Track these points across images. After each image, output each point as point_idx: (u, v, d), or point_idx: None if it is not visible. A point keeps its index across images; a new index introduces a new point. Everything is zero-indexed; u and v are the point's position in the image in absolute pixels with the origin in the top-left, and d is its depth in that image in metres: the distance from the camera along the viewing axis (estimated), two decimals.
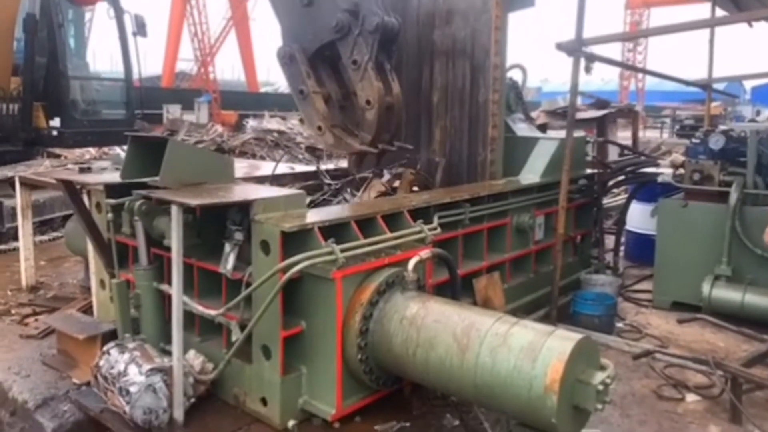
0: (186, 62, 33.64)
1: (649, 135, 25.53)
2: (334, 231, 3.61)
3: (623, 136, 13.33)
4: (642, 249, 7.17)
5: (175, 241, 3.43)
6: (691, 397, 4.19)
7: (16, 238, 7.49)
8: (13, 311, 5.40)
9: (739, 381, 3.81)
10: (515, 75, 6.33)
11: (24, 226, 5.86)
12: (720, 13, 8.16)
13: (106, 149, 12.71)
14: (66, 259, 6.96)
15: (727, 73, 8.21)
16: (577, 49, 4.78)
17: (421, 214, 4.25)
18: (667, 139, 22.67)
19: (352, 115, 4.84)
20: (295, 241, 3.51)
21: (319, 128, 4.76)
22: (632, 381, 4.39)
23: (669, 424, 3.85)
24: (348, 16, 4.49)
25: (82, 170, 5.44)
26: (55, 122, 8.83)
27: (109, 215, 3.91)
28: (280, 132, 17.74)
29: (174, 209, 3.39)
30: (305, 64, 4.69)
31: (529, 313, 5.13)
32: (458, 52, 5.46)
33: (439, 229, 4.15)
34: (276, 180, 5.43)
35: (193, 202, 3.41)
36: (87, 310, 5.12)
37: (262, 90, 36.60)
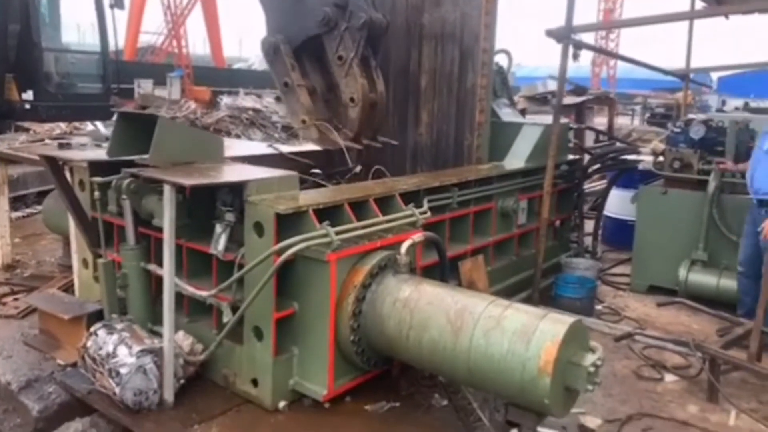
0: (148, 35, 32.36)
1: (621, 122, 25.84)
2: (328, 213, 3.61)
3: (598, 122, 13.52)
4: (619, 234, 7.35)
5: (167, 221, 3.39)
6: (669, 377, 4.33)
7: None
8: None
9: (718, 362, 3.94)
10: (500, 60, 6.34)
11: (0, 202, 5.70)
12: (699, 4, 8.28)
13: (77, 124, 12.40)
14: (42, 236, 6.81)
15: (695, 63, 8.32)
16: (566, 36, 4.81)
17: (411, 197, 4.27)
18: (638, 126, 22.97)
19: (336, 108, 4.85)
20: (288, 222, 3.49)
21: (304, 122, 4.75)
22: (613, 362, 4.51)
23: (649, 403, 3.98)
24: (335, 11, 4.47)
25: (61, 146, 5.32)
26: (28, 95, 8.56)
27: (96, 194, 3.83)
28: (255, 110, 17.46)
29: (167, 189, 3.35)
30: (290, 56, 4.66)
31: (512, 296, 5.20)
32: (447, 36, 5.45)
33: (429, 213, 4.18)
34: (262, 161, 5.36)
35: (187, 182, 3.37)
36: (67, 289, 5.03)
37: (235, 66, 35.85)
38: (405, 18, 5.67)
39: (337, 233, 3.43)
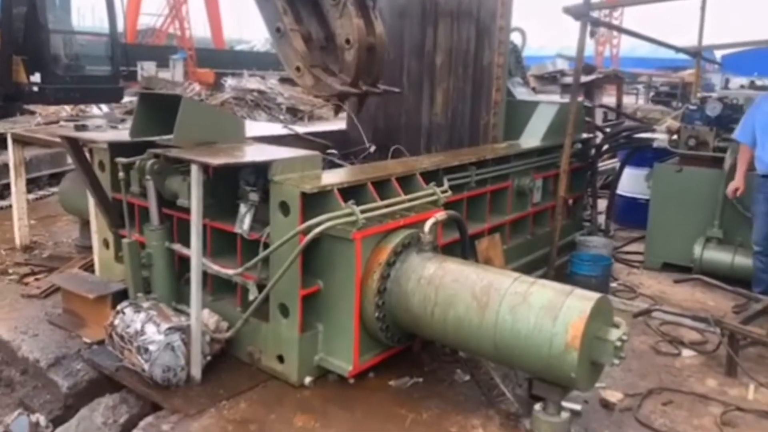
0: (146, 17, 31.96)
1: (626, 101, 25.73)
2: (351, 193, 3.63)
3: (606, 101, 13.45)
4: (630, 212, 7.36)
5: (194, 200, 3.42)
6: (687, 353, 4.38)
7: (2, 197, 7.35)
8: (10, 271, 5.32)
9: (737, 337, 3.99)
10: (515, 38, 6.31)
11: (17, 184, 5.72)
12: None
13: (83, 107, 12.38)
14: (57, 218, 6.85)
15: (694, 41, 8.26)
16: (585, 13, 4.79)
17: (431, 176, 4.29)
18: (642, 105, 22.88)
19: (334, 58, 4.42)
20: (313, 202, 3.52)
21: (298, 69, 4.35)
22: (631, 338, 4.54)
23: (669, 378, 4.03)
24: None
25: (77, 128, 5.31)
26: (36, 77, 8.52)
27: (121, 174, 3.85)
28: (260, 92, 17.39)
29: (194, 169, 3.37)
30: (282, 0, 4.27)
31: (527, 274, 5.20)
32: (463, 14, 5.42)
33: (450, 192, 4.19)
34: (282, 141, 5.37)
35: (215, 161, 3.39)
36: (87, 269, 5.07)
37: (237, 48, 35.63)
38: None
39: (362, 212, 3.46)
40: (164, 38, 29.85)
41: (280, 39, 4.35)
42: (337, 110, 5.19)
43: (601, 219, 7.09)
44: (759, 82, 14.33)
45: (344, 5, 4.09)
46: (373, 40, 4.28)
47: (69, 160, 7.46)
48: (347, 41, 4.14)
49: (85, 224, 5.42)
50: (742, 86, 13.48)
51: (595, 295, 3.15)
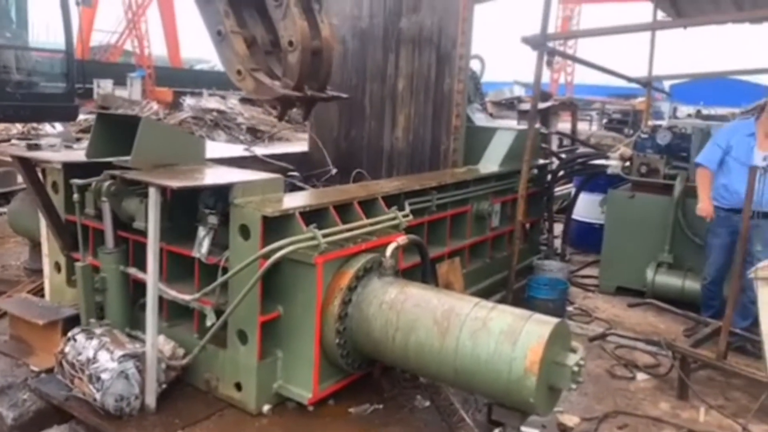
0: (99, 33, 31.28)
1: (579, 127, 26.46)
2: (313, 216, 3.62)
3: (561, 127, 13.82)
4: (585, 236, 7.54)
5: (152, 224, 3.35)
6: (641, 376, 4.48)
7: None
8: None
9: (688, 360, 4.10)
10: (473, 65, 6.44)
11: None
12: (659, 15, 8.59)
13: (36, 125, 12.03)
14: (5, 239, 6.60)
15: (644, 70, 8.62)
16: (541, 44, 4.94)
17: (392, 200, 4.31)
18: (596, 132, 23.57)
19: (279, 63, 4.30)
20: (274, 225, 3.49)
21: (239, 72, 4.19)
22: (587, 362, 4.62)
23: (624, 401, 4.11)
24: None
25: (30, 147, 5.14)
26: None
27: (76, 196, 3.75)
28: (219, 111, 17.29)
29: (152, 191, 3.31)
30: (223, 2, 4.14)
31: (486, 298, 5.24)
32: (425, 41, 5.52)
33: (411, 216, 4.22)
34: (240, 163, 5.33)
35: (174, 184, 3.33)
36: (36, 293, 4.89)
37: (197, 67, 35.32)
38: (383, 21, 5.72)
39: (324, 236, 3.45)
40: (119, 55, 29.37)
41: (221, 42, 4.21)
42: (282, 116, 4.91)
43: (557, 243, 7.24)
44: (705, 111, 14.97)
45: (287, 6, 3.95)
46: (319, 43, 4.15)
47: (19, 179, 7.25)
48: (290, 43, 4.01)
49: (35, 246, 5.22)
50: (689, 115, 14.05)
51: (553, 320, 3.20)
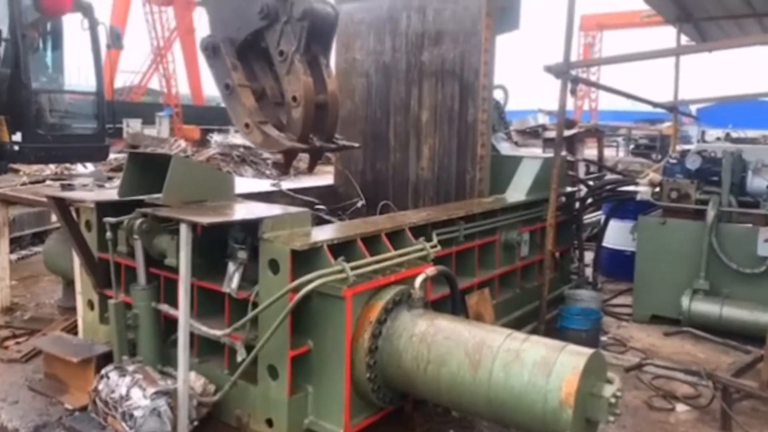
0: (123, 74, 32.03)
1: (606, 153, 26.26)
2: (341, 249, 3.63)
3: (587, 154, 13.73)
4: (616, 264, 7.40)
5: (183, 260, 3.38)
6: (681, 407, 4.34)
7: None
8: None
9: (730, 391, 3.96)
10: (497, 95, 6.47)
11: (0, 244, 5.64)
12: (683, 39, 8.56)
13: (68, 165, 12.34)
14: (39, 278, 6.73)
15: (669, 94, 8.60)
16: (564, 72, 4.94)
17: (420, 231, 4.30)
18: (623, 158, 23.38)
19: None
20: (303, 259, 3.50)
21: (247, 125, 4.23)
22: (623, 393, 4.50)
23: None
24: (275, 2, 4.04)
25: (64, 187, 5.30)
26: (17, 137, 8.50)
27: (108, 234, 3.82)
28: (246, 147, 17.58)
29: (183, 228, 3.35)
30: (231, 56, 4.23)
31: (517, 329, 5.19)
32: (447, 73, 5.57)
33: (439, 247, 4.20)
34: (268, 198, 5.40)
35: (205, 220, 3.38)
36: (69, 331, 4.96)
37: (223, 105, 35.99)
38: (405, 55, 5.80)
39: (352, 269, 3.44)
40: (142, 94, 30.03)
41: (229, 96, 4.28)
42: (287, 167, 4.95)
43: (588, 272, 7.12)
44: (734, 134, 14.75)
45: (291, 62, 4.01)
46: (324, 97, 4.20)
47: (53, 218, 7.42)
48: (294, 99, 4.07)
49: (69, 284, 5.32)
50: (718, 138, 13.84)
51: (587, 351, 3.13)
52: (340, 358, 3.50)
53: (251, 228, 3.64)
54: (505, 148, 6.34)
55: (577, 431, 2.99)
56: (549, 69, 5.06)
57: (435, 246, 4.13)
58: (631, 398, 4.46)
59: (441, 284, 4.22)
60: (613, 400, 3.03)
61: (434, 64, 5.66)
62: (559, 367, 3.04)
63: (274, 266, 3.49)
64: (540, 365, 3.09)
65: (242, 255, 3.72)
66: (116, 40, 8.58)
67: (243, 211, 3.80)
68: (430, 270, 3.79)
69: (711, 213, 5.53)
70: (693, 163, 5.77)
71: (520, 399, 3.09)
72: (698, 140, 21.22)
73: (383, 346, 3.55)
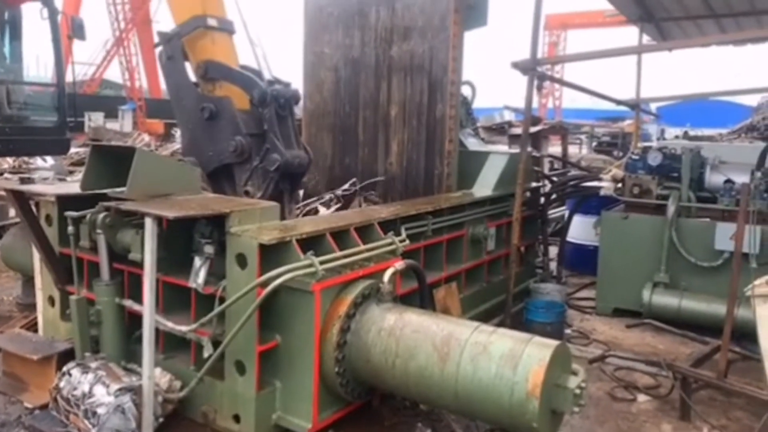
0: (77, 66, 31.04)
1: (570, 150, 26.67)
2: (310, 243, 3.61)
3: (551, 150, 13.92)
4: (580, 258, 7.54)
5: (148, 255, 3.33)
6: (642, 398, 4.44)
7: None
8: None
9: (689, 381, 4.08)
10: (464, 91, 6.51)
11: None
12: (644, 38, 8.75)
13: (27, 159, 11.99)
14: None
15: (631, 93, 8.81)
16: (532, 68, 5.01)
17: (388, 225, 4.31)
18: (586, 154, 23.78)
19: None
20: (271, 253, 3.47)
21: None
22: (587, 384, 4.59)
23: (626, 424, 4.07)
24: (250, 142, 4.24)
25: (23, 180, 5.14)
26: None
27: (71, 228, 3.73)
28: None
29: (149, 222, 3.29)
30: (202, 181, 4.38)
31: (484, 322, 5.27)
32: (416, 68, 5.59)
33: (407, 241, 4.22)
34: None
35: (170, 214, 3.32)
36: (29, 329, 4.82)
37: None
38: (374, 50, 5.80)
39: (321, 263, 3.43)
40: (96, 87, 29.24)
41: None
42: None
43: (553, 266, 7.24)
44: (692, 132, 15.18)
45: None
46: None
47: (11, 213, 7.20)
48: None
49: (28, 280, 5.17)
50: (677, 136, 14.24)
51: (553, 343, 3.19)
52: (308, 352, 3.49)
53: (218, 222, 3.60)
54: (473, 144, 6.40)
55: (543, 422, 3.04)
56: (516, 65, 5.12)
57: (404, 240, 4.15)
58: (594, 389, 4.55)
59: (410, 278, 4.24)
60: (577, 392, 3.09)
61: (403, 59, 5.67)
62: (526, 359, 3.09)
63: (241, 261, 3.46)
64: (507, 357, 3.13)
65: (209, 249, 3.68)
66: (78, 30, 8.32)
67: (209, 205, 3.75)
68: (399, 264, 3.80)
69: (671, 208, 5.68)
70: (654, 160, 5.91)
71: (488, 391, 3.12)
72: (658, 138, 21.74)
73: (352, 341, 3.55)
